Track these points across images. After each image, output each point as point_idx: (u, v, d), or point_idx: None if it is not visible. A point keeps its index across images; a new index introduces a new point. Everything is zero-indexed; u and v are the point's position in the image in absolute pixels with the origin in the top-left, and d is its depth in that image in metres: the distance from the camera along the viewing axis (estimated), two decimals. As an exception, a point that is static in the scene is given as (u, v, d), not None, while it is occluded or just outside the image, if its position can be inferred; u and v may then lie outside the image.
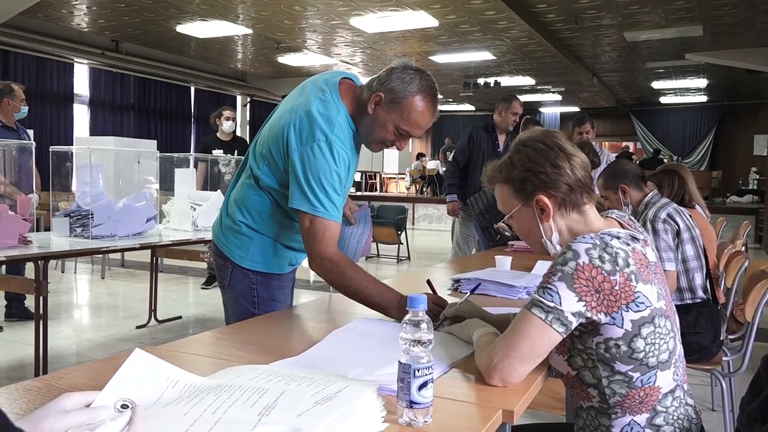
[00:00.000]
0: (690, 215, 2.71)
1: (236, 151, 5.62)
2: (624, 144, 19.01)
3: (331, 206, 1.65)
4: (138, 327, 4.68)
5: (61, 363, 3.75)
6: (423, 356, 0.95)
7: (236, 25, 9.32)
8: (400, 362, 0.95)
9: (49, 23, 9.64)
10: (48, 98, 10.99)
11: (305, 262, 1.88)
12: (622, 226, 1.31)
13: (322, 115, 1.64)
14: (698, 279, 2.63)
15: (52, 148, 3.84)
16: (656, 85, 14.12)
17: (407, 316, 0.96)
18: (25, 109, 4.56)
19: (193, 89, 13.87)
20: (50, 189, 3.95)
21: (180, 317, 5.00)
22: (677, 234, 2.60)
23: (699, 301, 2.63)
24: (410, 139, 1.82)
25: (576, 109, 17.69)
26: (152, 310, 4.77)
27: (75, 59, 11.21)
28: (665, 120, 17.66)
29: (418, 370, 0.94)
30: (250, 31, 9.71)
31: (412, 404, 0.94)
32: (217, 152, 5.50)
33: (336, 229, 1.68)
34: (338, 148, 1.64)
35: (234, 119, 5.75)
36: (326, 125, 1.63)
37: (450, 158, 5.21)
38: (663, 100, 16.58)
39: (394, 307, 1.63)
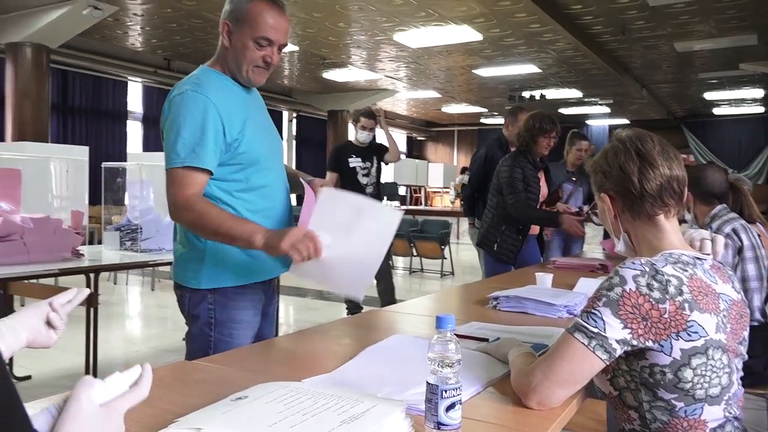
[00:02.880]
0: (759, 234, 2.59)
1: (375, 158, 5.04)
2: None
3: (184, 151, 1.60)
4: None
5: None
6: (451, 377, 0.94)
7: (283, 42, 9.50)
8: (427, 383, 0.95)
9: (105, 43, 10.04)
10: (103, 115, 11.43)
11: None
12: None
13: (176, 85, 1.72)
14: (756, 301, 2.52)
15: (104, 164, 3.99)
16: (709, 96, 13.71)
17: (435, 336, 0.96)
18: None
19: (241, 105, 14.17)
20: (102, 203, 4.10)
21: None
22: (739, 251, 2.49)
23: (755, 324, 2.51)
24: (279, 52, 1.75)
25: (625, 121, 17.33)
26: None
27: (129, 77, 11.64)
28: (719, 132, 17.11)
29: (446, 391, 0.93)
30: (296, 48, 9.89)
31: (439, 426, 0.93)
32: (354, 160, 4.98)
33: (193, 176, 1.61)
34: (191, 95, 1.63)
35: (371, 129, 5.00)
36: (178, 86, 1.69)
37: (467, 182, 5.25)
38: (716, 111, 16.08)
39: (258, 233, 1.58)
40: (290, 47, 9.84)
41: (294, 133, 16.08)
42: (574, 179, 4.77)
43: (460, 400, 0.95)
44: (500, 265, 3.59)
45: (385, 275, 5.09)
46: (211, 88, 1.67)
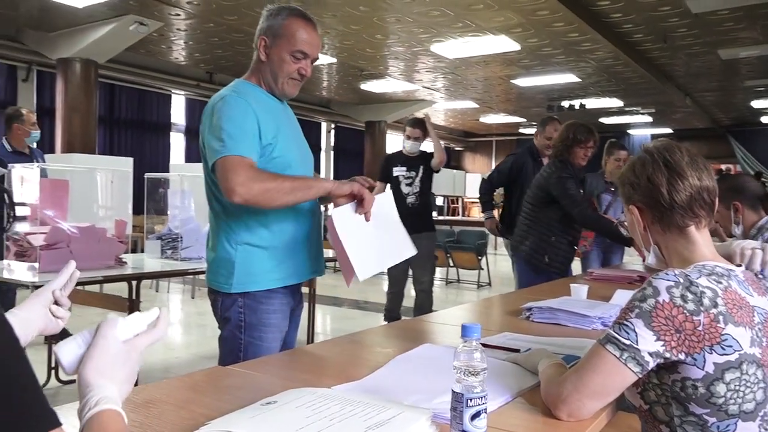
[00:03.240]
0: None
1: (422, 167, 4.90)
2: (725, 167, 17.97)
3: (231, 142, 1.69)
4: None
5: (151, 377, 3.95)
6: (476, 385, 0.94)
7: (321, 54, 9.63)
8: (453, 391, 0.95)
9: (149, 58, 10.34)
10: (147, 127, 11.76)
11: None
12: None
13: (215, 95, 1.85)
14: None
15: (147, 174, 4.10)
16: (757, 104, 13.33)
17: (460, 345, 0.96)
18: (36, 133, 4.49)
19: (280, 117, 14.40)
20: (145, 213, 4.21)
21: (262, 337, 5.16)
22: None
23: None
24: (312, 63, 1.90)
25: (668, 130, 16.97)
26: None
27: (173, 90, 11.95)
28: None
29: (471, 400, 0.93)
30: (334, 60, 10.01)
31: (465, 434, 0.94)
32: (399, 170, 4.93)
33: (244, 161, 1.69)
34: (232, 98, 1.76)
35: (417, 138, 4.90)
36: (218, 94, 1.82)
37: (486, 176, 5.22)
38: (765, 119, 15.61)
39: (322, 179, 1.80)
40: (328, 59, 9.97)
41: (332, 143, 16.24)
42: (612, 189, 4.70)
43: (486, 409, 0.95)
44: (537, 276, 3.48)
45: (425, 292, 4.98)
46: (250, 97, 1.81)
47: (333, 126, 15.99)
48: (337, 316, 6.40)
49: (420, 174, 4.91)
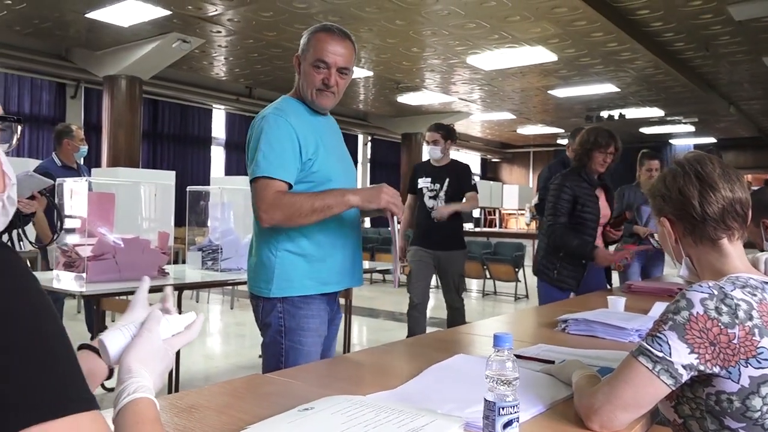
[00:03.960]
0: None
1: (447, 180, 4.45)
2: (772, 176, 17.44)
3: (265, 163, 1.79)
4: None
5: (192, 385, 4.03)
6: (508, 395, 0.96)
7: (358, 68, 9.75)
8: (485, 399, 0.97)
9: (192, 74, 10.62)
10: (189, 141, 12.05)
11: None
12: None
13: (261, 112, 1.93)
14: None
15: (189, 188, 4.22)
16: (805, 112, 12.93)
17: (492, 354, 0.98)
18: (84, 148, 4.64)
19: (318, 130, 14.59)
20: (186, 225, 4.33)
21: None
22: None
23: None
24: (339, 76, 1.93)
25: (712, 140, 16.56)
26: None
27: (213, 105, 12.24)
28: (818, 150, 16.05)
29: (503, 408, 0.95)
30: (371, 73, 10.12)
31: (497, 442, 0.95)
32: (423, 181, 4.57)
33: (274, 182, 1.79)
34: (273, 117, 1.84)
35: (435, 142, 4.49)
36: (262, 112, 1.91)
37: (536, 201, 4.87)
38: (814, 128, 15.12)
39: (348, 193, 1.82)
40: (365, 72, 10.07)
41: (368, 156, 16.34)
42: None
43: (518, 418, 0.96)
44: (558, 292, 3.30)
45: (457, 310, 4.64)
46: (291, 114, 1.89)
47: (370, 138, 16.11)
48: (373, 327, 6.42)
49: (445, 187, 4.47)
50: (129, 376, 0.82)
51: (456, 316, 4.69)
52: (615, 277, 3.92)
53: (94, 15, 7.27)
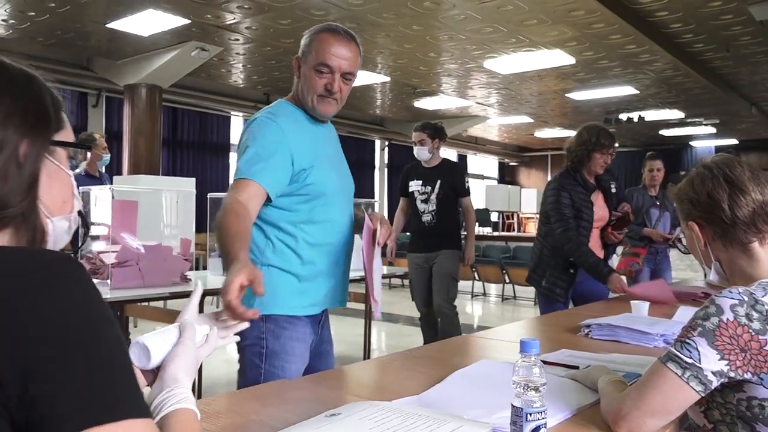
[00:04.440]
0: None
1: (439, 182, 4.23)
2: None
3: (246, 166, 1.64)
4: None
5: (214, 391, 4.06)
6: (536, 400, 0.95)
7: (375, 73, 9.78)
8: (512, 405, 0.97)
9: (210, 81, 10.72)
10: (208, 148, 12.16)
11: None
12: None
13: (255, 114, 1.80)
14: None
15: (209, 194, 4.26)
16: (829, 112, 12.72)
17: (519, 360, 0.98)
18: (107, 157, 4.72)
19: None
20: (207, 231, 4.37)
21: (319, 353, 5.23)
22: None
23: None
24: (343, 82, 1.77)
25: (734, 141, 16.35)
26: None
27: (232, 112, 12.34)
28: (843, 150, 15.76)
29: (531, 414, 0.95)
30: (387, 78, 10.13)
31: (525, 448, 0.95)
32: (414, 184, 4.36)
33: (247, 185, 1.62)
34: (264, 121, 1.71)
35: (422, 142, 4.26)
36: (255, 114, 1.78)
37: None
38: (839, 128, 14.86)
39: (233, 262, 1.39)
40: (381, 78, 10.10)
41: (386, 161, 16.36)
42: (658, 203, 4.60)
43: (545, 424, 0.96)
44: (553, 303, 3.13)
45: (445, 315, 4.31)
46: (285, 119, 1.75)
47: (386, 143, 16.13)
48: (392, 333, 6.42)
49: (437, 189, 4.23)
50: (176, 385, 0.84)
51: (445, 324, 4.32)
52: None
53: (114, 25, 7.38)
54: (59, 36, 7.96)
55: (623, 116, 12.69)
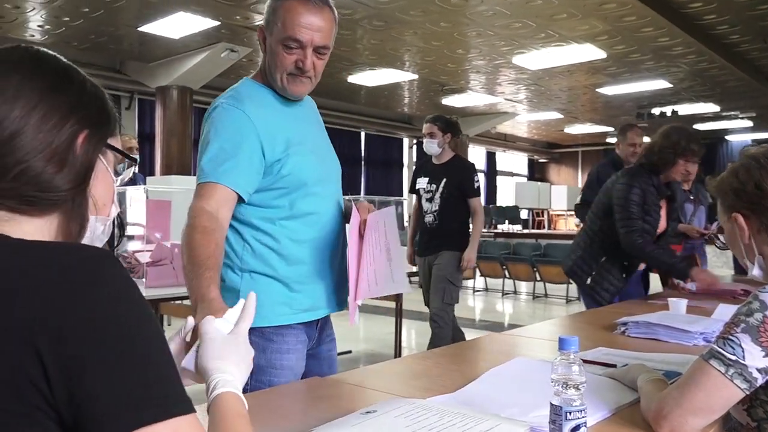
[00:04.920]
0: None
1: (445, 180, 3.98)
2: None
3: (210, 166, 1.44)
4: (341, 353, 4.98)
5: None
6: (575, 399, 0.94)
7: (403, 71, 9.77)
8: (551, 404, 0.95)
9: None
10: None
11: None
12: None
13: (215, 99, 1.57)
14: None
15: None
16: None
17: (558, 358, 0.96)
18: (136, 157, 4.82)
19: (363, 134, 14.69)
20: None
21: (350, 351, 5.25)
22: None
23: None
24: (317, 57, 1.52)
25: (771, 134, 15.94)
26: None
27: (261, 113, 12.45)
28: None
29: (570, 413, 0.93)
30: (415, 76, 10.11)
31: (564, 447, 0.93)
32: (422, 181, 4.15)
33: (214, 189, 1.43)
34: (225, 109, 1.49)
35: (431, 135, 4.01)
36: (216, 100, 1.55)
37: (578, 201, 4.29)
38: None
39: (200, 302, 1.25)
40: (409, 76, 10.07)
41: (414, 159, 16.34)
42: (692, 198, 4.46)
43: (585, 423, 0.94)
44: (586, 298, 3.00)
45: (434, 322, 4.00)
46: (251, 102, 1.51)
47: (415, 141, 16.10)
48: (423, 331, 6.39)
49: (441, 188, 3.95)
50: (207, 376, 0.84)
51: (433, 335, 3.98)
52: (653, 283, 3.72)
53: (146, 28, 7.50)
54: (93, 40, 8.11)
55: (656, 110, 12.45)
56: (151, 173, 9.29)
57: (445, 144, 4.01)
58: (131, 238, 3.32)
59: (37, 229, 0.69)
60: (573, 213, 16.39)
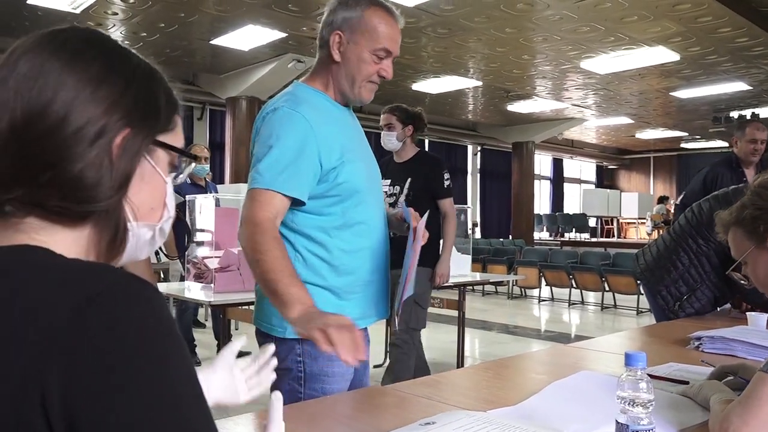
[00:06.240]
0: None
1: (409, 180, 3.39)
2: None
3: (270, 173, 1.42)
4: (375, 366, 5.00)
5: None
6: (642, 417, 0.90)
7: (467, 78, 9.72)
8: (617, 422, 0.92)
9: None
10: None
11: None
12: None
13: (269, 101, 1.56)
14: None
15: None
16: None
17: (624, 374, 0.93)
18: (206, 166, 4.80)
19: (426, 141, 14.69)
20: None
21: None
22: None
23: None
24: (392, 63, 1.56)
25: None
26: (386, 351, 5.06)
27: (326, 121, 12.66)
28: None
29: (637, 432, 0.89)
30: (479, 83, 10.04)
31: (630, 467, 0.89)
32: (383, 182, 3.59)
33: (275, 199, 1.41)
34: (285, 112, 1.46)
35: (389, 127, 3.45)
36: (272, 102, 1.54)
37: (678, 201, 3.79)
38: None
39: (297, 305, 1.30)
40: (474, 83, 10.01)
41: (478, 166, 16.20)
42: None
43: (653, 443, 0.90)
44: (658, 312, 2.67)
45: (397, 347, 3.38)
46: (308, 107, 1.49)
47: (479, 148, 15.96)
48: (486, 341, 6.32)
49: (405, 189, 3.36)
50: None
51: (394, 361, 3.39)
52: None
53: (217, 41, 7.78)
54: (168, 54, 8.48)
55: (734, 114, 11.89)
56: (221, 181, 9.60)
57: (407, 137, 3.42)
58: (201, 244, 3.43)
59: (74, 240, 0.62)
60: (644, 221, 15.86)
